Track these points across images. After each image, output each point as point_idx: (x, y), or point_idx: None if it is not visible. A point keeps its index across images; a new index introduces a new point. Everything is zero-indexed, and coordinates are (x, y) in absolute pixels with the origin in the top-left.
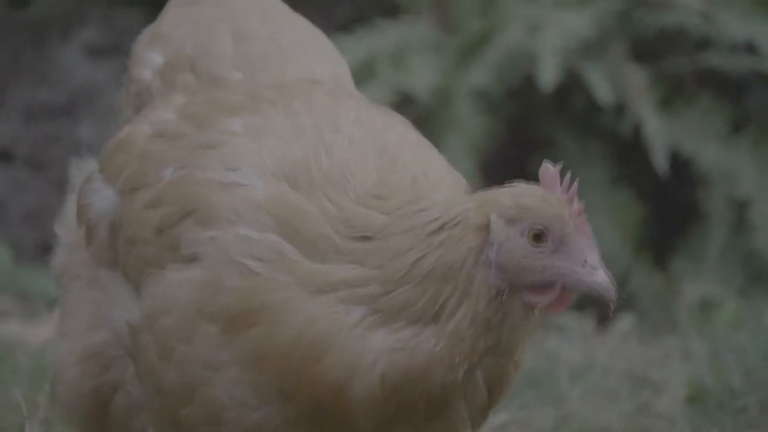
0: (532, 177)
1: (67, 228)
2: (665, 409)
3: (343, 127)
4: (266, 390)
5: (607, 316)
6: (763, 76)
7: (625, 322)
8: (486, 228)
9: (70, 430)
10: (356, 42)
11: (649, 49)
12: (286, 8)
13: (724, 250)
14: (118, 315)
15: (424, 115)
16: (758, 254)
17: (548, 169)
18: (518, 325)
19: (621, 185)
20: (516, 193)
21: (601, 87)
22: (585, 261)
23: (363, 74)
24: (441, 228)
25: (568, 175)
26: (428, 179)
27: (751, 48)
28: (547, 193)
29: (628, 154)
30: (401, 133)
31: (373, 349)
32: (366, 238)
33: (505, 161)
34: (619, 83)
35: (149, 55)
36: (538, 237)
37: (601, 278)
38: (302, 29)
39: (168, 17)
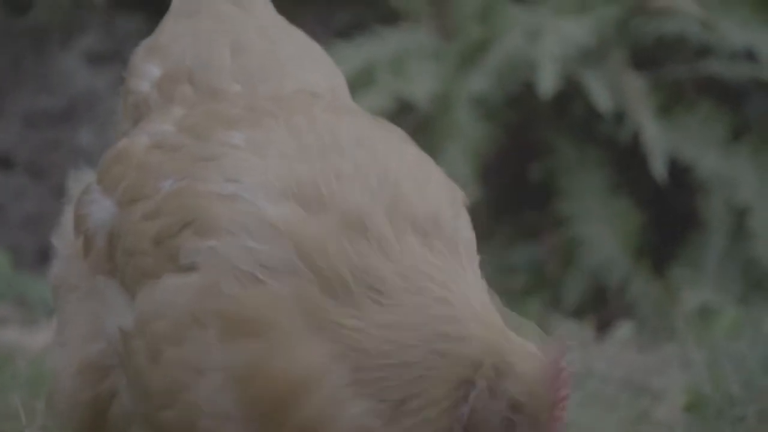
0: (531, 183)
1: (64, 239)
2: (664, 417)
3: (347, 149)
4: (249, 407)
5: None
6: (763, 84)
7: (624, 330)
8: (472, 384)
9: None
10: (355, 49)
11: (648, 57)
12: (283, 20)
13: (724, 258)
14: (112, 322)
15: (424, 122)
16: (758, 262)
17: (555, 348)
18: None
19: (620, 192)
20: (517, 372)
21: (600, 94)
22: None
23: (362, 81)
24: (442, 354)
25: (568, 356)
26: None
27: (750, 55)
28: (541, 380)
29: (627, 161)
30: (401, 153)
31: (349, 414)
32: (377, 291)
33: (504, 167)
34: (619, 90)
35: (147, 68)
36: (512, 418)
37: None
38: (299, 41)
39: (166, 29)
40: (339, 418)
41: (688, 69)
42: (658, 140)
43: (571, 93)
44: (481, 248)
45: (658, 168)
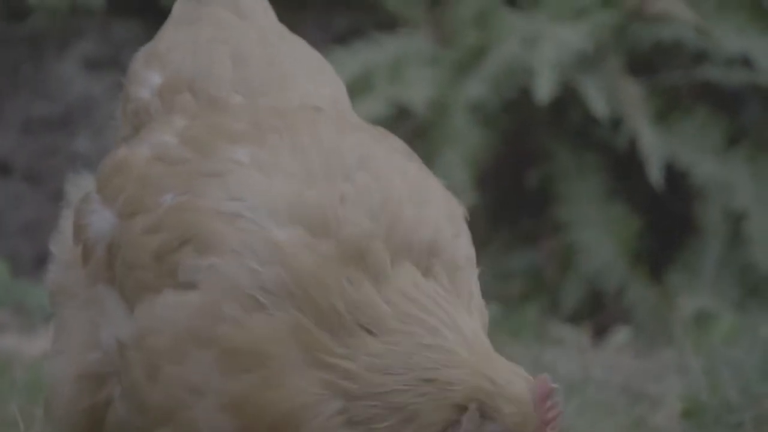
0: (529, 189)
1: (62, 245)
2: (661, 424)
3: (351, 170)
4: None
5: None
6: (759, 90)
7: (621, 335)
8: (463, 408)
9: None
10: (353, 55)
11: (644, 63)
12: (284, 28)
13: (721, 264)
14: (110, 332)
15: (421, 128)
16: (755, 267)
17: (545, 384)
18: None
19: (616, 198)
20: (507, 394)
21: (596, 100)
22: None
23: (360, 87)
24: (432, 381)
25: (557, 394)
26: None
27: (747, 62)
28: (532, 401)
29: (624, 167)
30: (403, 173)
31: None
32: (369, 322)
33: (501, 173)
34: (615, 97)
35: (147, 75)
36: None
37: None
38: (300, 50)
39: (166, 36)
40: None
41: (684, 75)
42: (655, 146)
43: (567, 99)
44: (478, 254)
45: (655, 174)
